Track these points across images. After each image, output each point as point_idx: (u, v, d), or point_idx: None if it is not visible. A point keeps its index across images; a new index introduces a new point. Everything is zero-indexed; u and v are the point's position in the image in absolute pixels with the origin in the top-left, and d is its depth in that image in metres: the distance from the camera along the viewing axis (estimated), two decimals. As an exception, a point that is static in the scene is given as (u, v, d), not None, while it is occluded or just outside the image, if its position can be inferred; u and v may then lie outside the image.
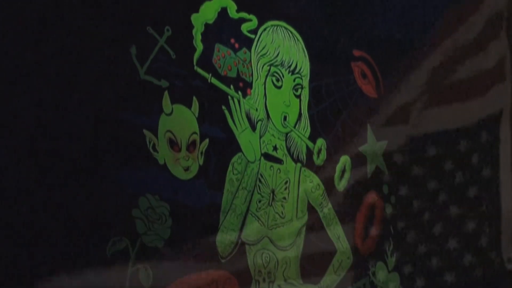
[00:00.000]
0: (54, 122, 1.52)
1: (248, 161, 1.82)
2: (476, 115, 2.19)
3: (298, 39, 1.91)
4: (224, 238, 1.77)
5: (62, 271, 1.53)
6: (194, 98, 1.73)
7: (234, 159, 1.80)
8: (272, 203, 1.86)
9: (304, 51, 1.92)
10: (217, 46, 1.77)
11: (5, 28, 1.45)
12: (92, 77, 1.57)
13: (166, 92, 1.68)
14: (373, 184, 2.03)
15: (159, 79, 1.67)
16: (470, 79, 2.16)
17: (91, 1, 1.58)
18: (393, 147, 2.07)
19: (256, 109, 1.84)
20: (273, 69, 1.87)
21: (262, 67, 1.85)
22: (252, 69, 1.83)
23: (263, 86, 1.85)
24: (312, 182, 1.94)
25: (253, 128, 1.83)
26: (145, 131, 1.65)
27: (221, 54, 1.78)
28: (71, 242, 1.54)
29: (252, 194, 1.82)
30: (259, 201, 1.84)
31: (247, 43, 1.82)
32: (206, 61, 1.75)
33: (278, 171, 1.88)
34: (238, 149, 1.81)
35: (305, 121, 1.92)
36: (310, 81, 1.92)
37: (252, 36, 1.84)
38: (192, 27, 1.73)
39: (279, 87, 1.88)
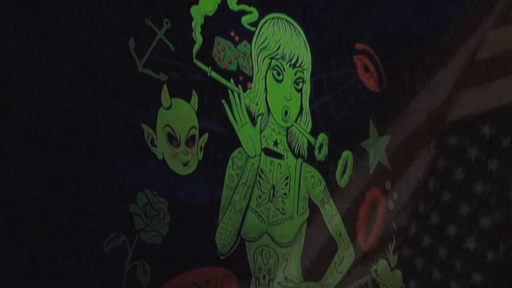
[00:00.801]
0: (51, 116, 1.52)
1: (248, 156, 1.82)
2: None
3: (299, 32, 1.91)
4: (224, 235, 1.77)
5: (59, 267, 1.52)
6: (194, 92, 1.72)
7: (234, 154, 1.80)
8: (273, 199, 1.86)
9: (305, 44, 1.92)
10: (217, 39, 1.77)
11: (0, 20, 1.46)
12: (90, 70, 1.56)
13: (165, 86, 1.67)
14: (375, 180, 2.04)
15: (158, 73, 1.66)
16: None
17: (88, -7, 1.58)
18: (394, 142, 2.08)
19: (257, 103, 1.84)
20: (274, 62, 1.86)
21: (263, 61, 1.85)
22: (252, 63, 1.83)
23: (264, 79, 1.85)
24: (313, 177, 1.93)
25: (254, 122, 1.83)
26: (143, 126, 1.64)
27: (221, 47, 1.77)
28: (68, 238, 1.54)
29: (252, 190, 1.82)
30: (259, 197, 1.83)
31: (248, 36, 1.82)
32: (205, 54, 1.74)
33: (279, 166, 1.87)
34: (238, 144, 1.80)
35: (307, 116, 1.92)
36: (312, 75, 1.93)
37: (253, 28, 1.83)
38: (191, 19, 1.73)
39: (280, 81, 1.88)
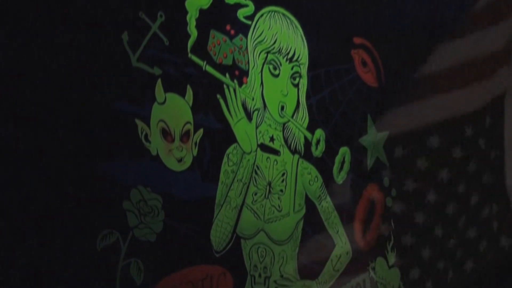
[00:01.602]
0: (42, 111, 1.52)
1: (244, 152, 1.80)
2: (481, 99, 2.20)
3: (296, 26, 1.89)
4: (219, 232, 1.76)
5: (51, 265, 1.53)
6: (188, 86, 1.71)
7: (229, 150, 1.78)
8: (269, 196, 1.84)
9: (302, 38, 1.89)
10: (212, 32, 1.75)
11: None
12: (82, 64, 1.57)
13: (159, 80, 1.67)
14: (373, 177, 2.04)
15: (152, 67, 1.66)
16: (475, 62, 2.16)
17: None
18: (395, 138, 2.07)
19: (253, 98, 1.82)
20: (270, 56, 1.85)
21: (259, 55, 1.83)
22: (248, 57, 1.81)
23: (260, 74, 1.83)
24: (310, 174, 1.91)
25: (249, 118, 1.81)
26: (137, 121, 1.64)
27: (216, 41, 1.76)
28: (60, 236, 1.54)
29: (248, 187, 1.81)
30: (255, 194, 1.82)
31: (244, 29, 1.80)
32: (200, 48, 1.73)
33: (275, 162, 1.86)
34: (233, 139, 1.79)
35: (303, 111, 1.90)
36: (309, 70, 1.91)
37: (249, 22, 1.81)
38: (186, 12, 1.72)
39: (277, 76, 1.86)
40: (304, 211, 1.91)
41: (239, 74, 1.80)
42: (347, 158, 1.99)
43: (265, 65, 1.85)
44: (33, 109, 1.49)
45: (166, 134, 1.68)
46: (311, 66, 1.91)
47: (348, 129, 1.99)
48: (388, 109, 2.05)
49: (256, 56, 1.83)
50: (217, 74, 1.76)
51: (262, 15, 1.84)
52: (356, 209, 2.01)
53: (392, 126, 2.02)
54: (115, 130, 1.61)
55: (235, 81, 1.79)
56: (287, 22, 1.88)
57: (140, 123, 1.64)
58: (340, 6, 1.98)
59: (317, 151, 1.94)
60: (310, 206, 1.92)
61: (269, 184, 1.85)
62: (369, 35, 1.98)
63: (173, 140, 1.69)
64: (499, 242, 2.28)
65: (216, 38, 1.76)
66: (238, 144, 1.80)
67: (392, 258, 2.07)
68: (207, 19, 1.74)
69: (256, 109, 1.83)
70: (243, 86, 1.81)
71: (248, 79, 1.82)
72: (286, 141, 1.88)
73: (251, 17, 1.82)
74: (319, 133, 1.94)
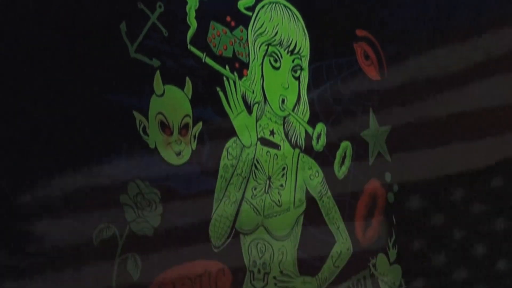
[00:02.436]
0: (38, 103, 1.50)
1: (244, 146, 1.79)
2: None
3: (298, 18, 1.90)
4: (217, 227, 1.75)
5: (47, 260, 1.51)
6: (187, 78, 1.70)
7: (229, 143, 1.78)
8: (269, 191, 1.84)
9: (304, 31, 1.90)
10: (212, 23, 1.75)
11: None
12: (79, 55, 1.54)
13: (157, 72, 1.65)
14: (375, 172, 2.05)
15: (151, 58, 1.64)
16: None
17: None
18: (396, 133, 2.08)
19: (253, 91, 1.81)
20: (271, 48, 1.85)
21: (260, 47, 1.83)
22: (249, 49, 1.81)
23: (261, 67, 1.83)
24: (310, 168, 1.92)
25: (249, 111, 1.81)
26: (135, 113, 1.62)
27: (216, 32, 1.76)
28: (56, 229, 1.52)
29: (247, 181, 1.80)
30: (255, 188, 1.81)
31: (244, 21, 1.81)
32: (200, 39, 1.73)
33: (275, 156, 1.85)
34: (233, 133, 1.78)
35: (304, 105, 1.91)
36: (310, 62, 1.91)
37: (249, 13, 1.82)
38: (185, 3, 1.71)
39: (277, 68, 1.86)
40: (304, 206, 1.91)
41: (239, 66, 1.80)
42: (349, 153, 2.01)
43: (265, 58, 1.85)
44: (28, 101, 1.48)
45: (164, 127, 1.67)
46: (313, 59, 1.92)
47: (349, 123, 2.01)
48: (390, 103, 2.06)
49: (256, 48, 1.83)
50: (217, 66, 1.75)
51: (263, 6, 1.84)
52: (357, 205, 2.03)
53: None
54: (112, 122, 1.60)
55: (235, 73, 1.79)
56: (289, 14, 1.89)
57: (138, 116, 1.62)
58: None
59: (318, 145, 1.95)
60: (310, 201, 1.92)
61: (269, 178, 1.84)
62: (372, 28, 1.99)
63: (171, 133, 1.68)
64: None
65: (216, 29, 1.76)
66: (238, 137, 1.79)
67: (393, 254, 2.09)
68: (207, 10, 1.74)
69: (256, 102, 1.83)
70: (243, 78, 1.80)
71: (249, 71, 1.81)
72: (286, 135, 1.88)
73: (252, 8, 1.82)
74: (320, 127, 1.95)
